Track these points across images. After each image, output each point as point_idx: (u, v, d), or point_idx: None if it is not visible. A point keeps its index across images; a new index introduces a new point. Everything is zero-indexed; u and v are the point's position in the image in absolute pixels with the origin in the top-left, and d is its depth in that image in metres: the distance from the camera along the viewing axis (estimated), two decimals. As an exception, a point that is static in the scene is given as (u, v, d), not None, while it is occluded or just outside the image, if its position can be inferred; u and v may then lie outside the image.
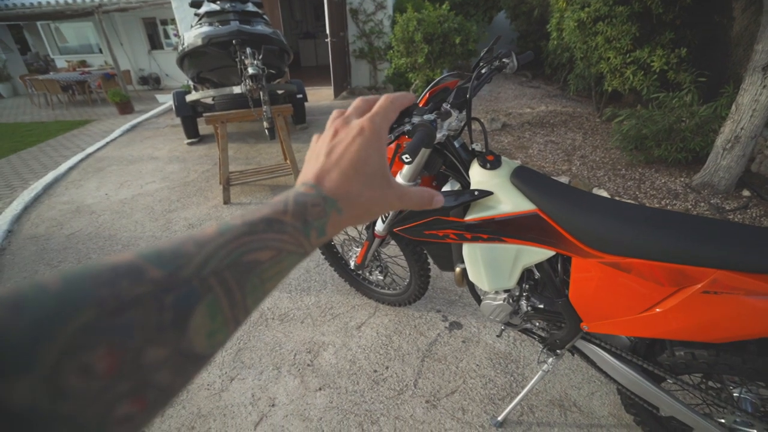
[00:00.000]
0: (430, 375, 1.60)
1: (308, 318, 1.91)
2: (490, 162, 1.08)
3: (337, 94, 6.67)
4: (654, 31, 3.98)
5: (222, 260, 0.22)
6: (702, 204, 2.90)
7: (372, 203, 0.32)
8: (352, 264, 1.78)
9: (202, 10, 3.58)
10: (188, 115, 4.60)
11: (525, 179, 1.07)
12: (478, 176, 1.11)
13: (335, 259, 2.00)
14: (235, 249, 0.23)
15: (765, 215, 2.66)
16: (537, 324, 1.28)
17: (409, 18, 4.79)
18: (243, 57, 2.58)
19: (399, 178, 1.25)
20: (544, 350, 1.29)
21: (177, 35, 8.47)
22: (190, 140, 4.86)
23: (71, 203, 3.36)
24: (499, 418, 1.40)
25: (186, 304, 0.20)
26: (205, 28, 3.28)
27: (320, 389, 1.54)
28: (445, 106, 1.06)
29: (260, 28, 3.37)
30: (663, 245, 0.90)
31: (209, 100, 4.15)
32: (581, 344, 1.20)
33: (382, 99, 0.36)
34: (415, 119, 0.99)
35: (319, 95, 6.60)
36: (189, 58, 3.59)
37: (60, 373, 0.15)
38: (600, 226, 0.97)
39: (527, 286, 1.21)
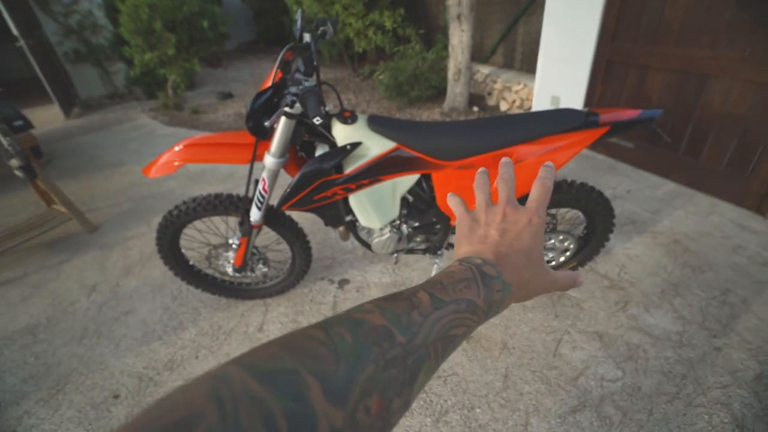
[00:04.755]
0: (348, 329, 1.73)
1: (201, 350, 1.70)
2: (350, 118, 1.23)
3: (67, 112, 5.21)
4: (376, -4, 4.75)
5: (438, 332, 0.28)
6: (456, 123, 3.87)
7: (535, 288, 0.37)
8: (230, 270, 1.66)
9: None
10: None
11: (380, 123, 1.27)
12: (343, 133, 1.24)
13: (201, 279, 1.79)
14: (446, 324, 0.29)
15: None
16: (418, 240, 1.58)
17: (137, 4, 4.09)
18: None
19: (268, 156, 1.25)
20: (430, 256, 1.61)
21: None
22: None
23: None
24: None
25: (417, 366, 0.26)
26: None
27: (260, 399, 1.47)
28: (298, 75, 1.12)
29: None
30: (488, 141, 1.28)
31: None
32: (451, 237, 1.57)
33: (540, 186, 0.38)
34: (293, 89, 1.01)
35: (40, 119, 4.96)
36: None
37: (356, 410, 0.21)
38: (447, 142, 1.28)
39: (404, 212, 1.47)
